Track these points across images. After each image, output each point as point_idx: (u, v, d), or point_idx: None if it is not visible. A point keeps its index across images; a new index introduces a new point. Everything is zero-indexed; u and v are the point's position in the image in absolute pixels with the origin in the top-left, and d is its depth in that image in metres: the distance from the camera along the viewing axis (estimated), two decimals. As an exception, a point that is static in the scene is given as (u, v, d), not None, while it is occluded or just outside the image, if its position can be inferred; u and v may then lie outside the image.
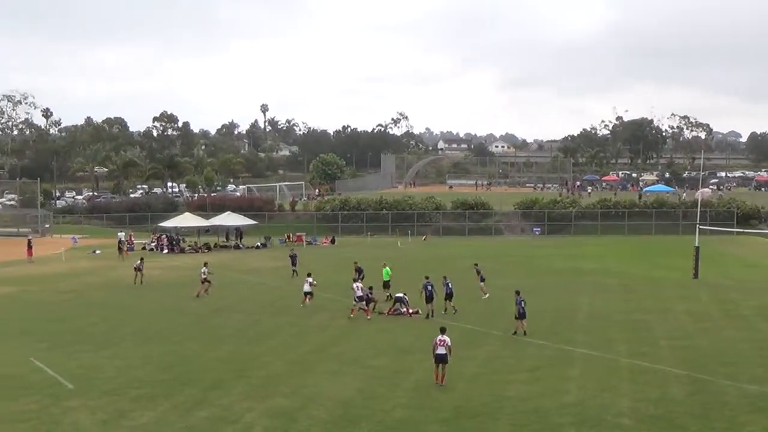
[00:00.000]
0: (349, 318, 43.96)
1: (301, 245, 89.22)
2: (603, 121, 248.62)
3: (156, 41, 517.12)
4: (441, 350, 30.14)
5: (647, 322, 42.69)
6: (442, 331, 30.86)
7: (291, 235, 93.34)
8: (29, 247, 77.03)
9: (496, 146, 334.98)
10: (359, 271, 52.66)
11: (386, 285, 49.59)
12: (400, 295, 45.05)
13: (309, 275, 49.49)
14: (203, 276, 53.09)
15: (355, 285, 45.49)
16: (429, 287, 44.13)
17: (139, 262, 60.82)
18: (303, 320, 44.02)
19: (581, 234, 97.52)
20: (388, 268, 50.92)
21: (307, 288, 48.36)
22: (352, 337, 39.44)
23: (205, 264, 54.99)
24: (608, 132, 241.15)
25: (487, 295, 49.84)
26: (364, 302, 44.35)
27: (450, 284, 45.61)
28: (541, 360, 34.06)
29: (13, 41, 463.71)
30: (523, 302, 39.25)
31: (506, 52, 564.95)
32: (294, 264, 61.69)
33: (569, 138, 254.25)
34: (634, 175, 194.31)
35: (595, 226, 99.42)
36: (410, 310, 44.71)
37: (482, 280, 51.03)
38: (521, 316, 39.21)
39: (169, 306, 49.19)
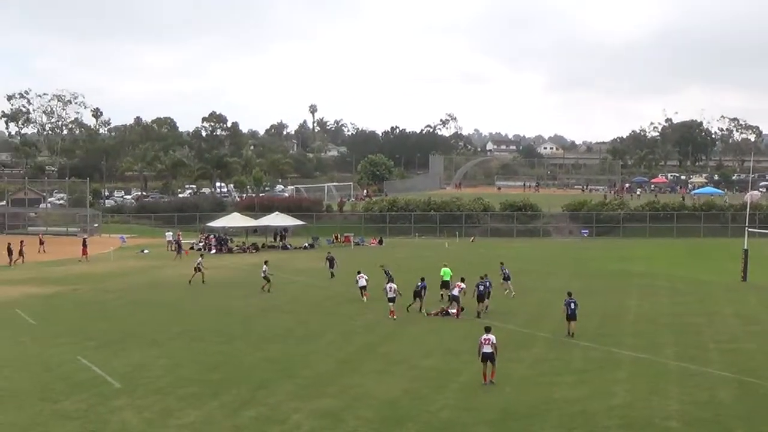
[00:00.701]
0: (393, 319, 43.96)
1: (349, 246, 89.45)
2: (652, 123, 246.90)
3: (205, 41, 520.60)
4: (487, 348, 30.23)
5: (696, 325, 42.36)
6: (487, 330, 30.98)
7: (339, 236, 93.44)
8: (84, 246, 77.86)
9: (545, 148, 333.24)
10: (387, 273, 52.38)
11: (445, 285, 49.03)
12: (456, 293, 44.79)
13: (359, 272, 50.90)
14: (263, 274, 54.84)
15: (387, 286, 45.78)
16: (481, 287, 44.41)
17: (200, 259, 62.28)
18: (350, 320, 44.12)
19: (629, 236, 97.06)
20: (448, 268, 50.74)
21: (362, 282, 49.91)
22: (399, 338, 39.44)
23: (266, 262, 56.40)
24: (657, 134, 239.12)
25: (513, 294, 50.49)
26: (393, 303, 44.70)
27: (489, 283, 45.54)
28: (589, 363, 33.89)
29: (63, 41, 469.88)
30: (573, 303, 39.17)
31: (555, 52, 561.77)
32: (332, 266, 61.61)
33: (618, 140, 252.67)
34: (683, 177, 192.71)
35: (644, 229, 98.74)
36: (459, 312, 44.54)
37: (506, 278, 51.52)
38: (570, 317, 39.15)
39: (216, 306, 49.40)
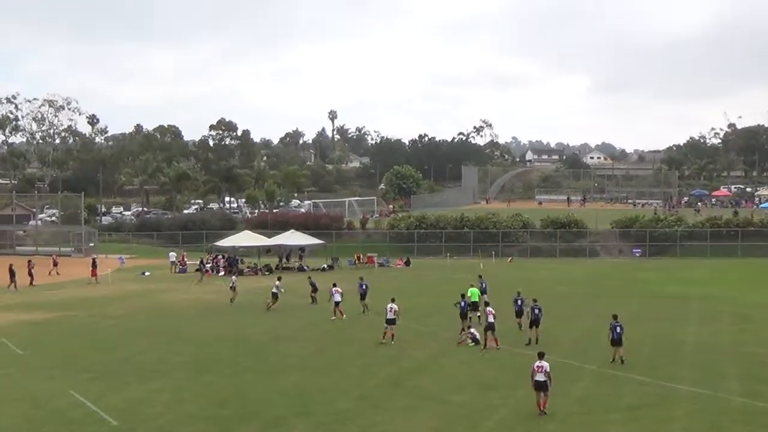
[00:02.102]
0: (384, 343, 44.75)
1: (372, 267, 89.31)
2: (713, 129, 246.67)
3: (213, 42, 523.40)
4: (540, 377, 30.64)
5: (763, 356, 41.87)
6: (540, 356, 31.32)
7: (361, 256, 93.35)
8: (93, 266, 78.55)
9: (591, 157, 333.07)
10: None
11: (474, 306, 49.55)
12: (492, 320, 44.56)
13: (334, 285, 53.56)
14: (275, 290, 57.05)
15: (388, 306, 45.91)
16: (537, 310, 44.53)
17: (234, 278, 65.47)
18: (373, 350, 43.97)
19: (687, 256, 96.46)
20: (476, 288, 50.85)
21: (337, 298, 53.02)
22: (427, 370, 39.26)
23: (279, 278, 59.11)
24: (719, 141, 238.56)
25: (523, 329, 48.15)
26: (393, 326, 45.29)
27: (540, 309, 45.32)
28: (642, 398, 33.59)
29: (55, 39, 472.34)
30: (618, 327, 39.35)
31: (601, 51, 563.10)
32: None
33: (674, 148, 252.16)
34: (749, 189, 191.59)
35: (704, 248, 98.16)
36: (488, 343, 44.16)
37: (519, 313, 48.63)
38: (615, 342, 39.37)
39: (225, 333, 49.39)
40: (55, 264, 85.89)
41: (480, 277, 56.83)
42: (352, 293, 57.73)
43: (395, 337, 45.01)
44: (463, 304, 47.92)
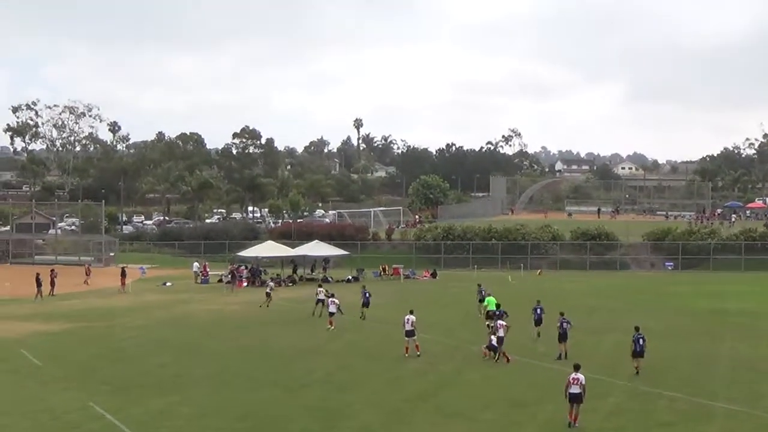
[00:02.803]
0: (407, 357, 44.69)
1: (398, 279, 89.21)
2: (748, 139, 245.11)
3: (238, 49, 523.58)
4: (575, 389, 30.89)
5: (802, 373, 41.64)
6: (576, 368, 31.62)
7: (386, 268, 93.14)
8: (123, 276, 79.00)
9: (623, 168, 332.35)
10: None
11: (490, 315, 50.07)
12: (501, 334, 44.49)
13: (332, 295, 54.51)
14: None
15: (406, 318, 45.84)
16: (565, 324, 44.51)
17: (271, 284, 68.08)
18: (399, 365, 43.81)
19: (722, 269, 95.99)
20: (493, 297, 51.28)
21: (332, 308, 53.88)
22: (455, 385, 39.13)
23: (320, 286, 63.73)
24: (754, 152, 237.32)
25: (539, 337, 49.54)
26: (414, 337, 45.26)
27: (569, 323, 45.12)
28: (675, 415, 33.39)
29: (76, 45, 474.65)
30: (641, 339, 39.84)
31: (634, 60, 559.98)
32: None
33: (708, 159, 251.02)
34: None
35: (738, 261, 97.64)
36: (499, 356, 44.09)
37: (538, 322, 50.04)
38: (637, 353, 39.82)
39: (247, 346, 49.36)
40: (88, 273, 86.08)
41: (479, 285, 58.71)
42: (382, 305, 58.09)
43: (420, 349, 44.89)
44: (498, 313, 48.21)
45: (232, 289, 78.42)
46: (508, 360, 43.36)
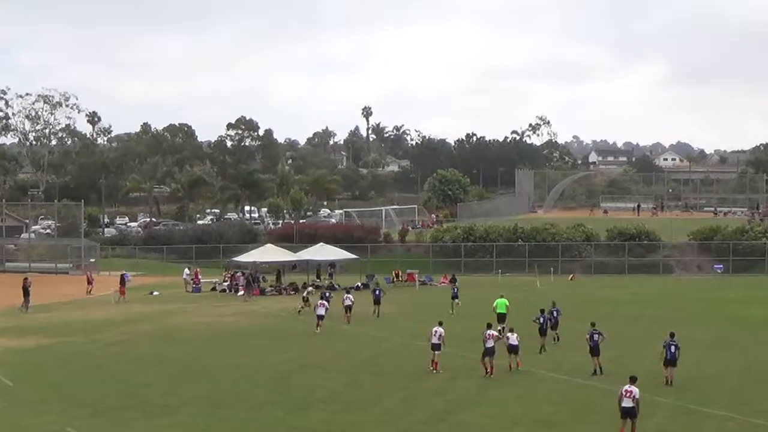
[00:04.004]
0: (433, 372, 44.86)
1: (413, 285, 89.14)
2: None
3: (233, 30, 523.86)
4: (628, 402, 31.37)
5: None
6: (632, 380, 32.21)
7: (400, 273, 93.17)
8: (122, 283, 79.21)
9: (665, 159, 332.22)
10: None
11: (501, 318, 51.73)
12: (515, 343, 44.53)
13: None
14: (348, 302, 61.20)
15: (434, 329, 45.99)
16: (596, 336, 44.40)
17: (310, 288, 71.15)
18: (415, 381, 43.78)
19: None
20: (506, 299, 52.10)
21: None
22: (476, 404, 39.07)
23: (347, 291, 64.76)
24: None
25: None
26: (438, 351, 45.59)
27: (600, 335, 45.03)
28: (725, 436, 33.30)
29: (51, 30, 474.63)
30: (674, 346, 40.29)
31: (676, 38, 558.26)
32: (377, 303, 65.65)
33: (762, 147, 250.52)
34: None
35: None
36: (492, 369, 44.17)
37: (553, 326, 51.57)
38: (669, 362, 40.34)
39: (243, 362, 49.33)
40: (90, 282, 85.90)
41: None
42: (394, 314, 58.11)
43: (440, 366, 44.92)
44: (542, 319, 49.45)
45: (248, 297, 78.34)
46: (489, 372, 43.86)
